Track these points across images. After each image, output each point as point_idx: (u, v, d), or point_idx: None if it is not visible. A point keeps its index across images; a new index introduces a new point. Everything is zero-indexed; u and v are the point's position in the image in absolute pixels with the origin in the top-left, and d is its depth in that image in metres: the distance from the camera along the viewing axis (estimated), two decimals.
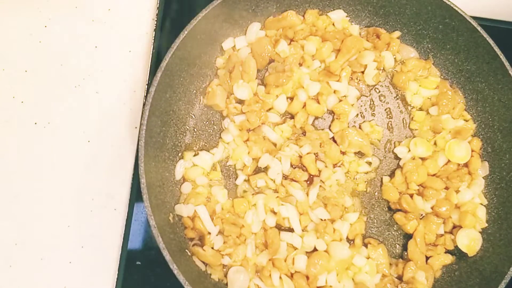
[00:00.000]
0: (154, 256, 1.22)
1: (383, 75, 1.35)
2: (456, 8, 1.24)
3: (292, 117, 1.29)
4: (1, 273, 1.21)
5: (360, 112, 1.34)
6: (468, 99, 1.33)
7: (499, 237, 1.20)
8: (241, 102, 1.28)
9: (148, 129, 1.09)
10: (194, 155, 1.25)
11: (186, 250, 1.17)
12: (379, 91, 1.35)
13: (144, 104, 1.20)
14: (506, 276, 1.11)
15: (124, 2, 1.43)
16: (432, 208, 1.23)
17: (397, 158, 1.30)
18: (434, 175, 1.26)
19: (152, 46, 1.37)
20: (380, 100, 1.35)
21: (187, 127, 1.28)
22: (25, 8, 1.40)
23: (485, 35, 1.23)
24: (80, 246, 1.24)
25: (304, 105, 1.28)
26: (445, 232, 1.23)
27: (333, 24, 1.35)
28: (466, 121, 1.31)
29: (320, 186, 1.24)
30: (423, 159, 1.28)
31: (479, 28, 1.23)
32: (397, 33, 1.35)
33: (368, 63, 1.32)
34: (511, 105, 1.23)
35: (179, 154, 1.25)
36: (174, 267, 1.03)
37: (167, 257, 1.03)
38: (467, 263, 1.21)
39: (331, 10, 1.36)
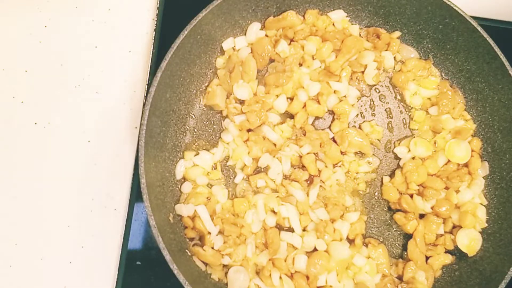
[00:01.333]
0: (154, 256, 1.22)
1: (383, 75, 1.35)
2: (456, 8, 1.24)
3: (292, 117, 1.29)
4: (1, 273, 1.21)
5: (360, 112, 1.34)
6: (468, 99, 1.33)
7: (499, 237, 1.20)
8: (241, 102, 1.28)
9: (148, 129, 1.09)
10: (195, 155, 1.25)
11: (186, 250, 1.17)
12: (379, 91, 1.35)
13: (144, 104, 1.20)
14: (506, 276, 1.11)
15: (124, 2, 1.43)
16: (432, 208, 1.23)
17: (397, 158, 1.30)
18: (434, 175, 1.26)
19: (152, 46, 1.37)
20: (380, 100, 1.35)
21: (187, 127, 1.28)
22: (25, 8, 1.40)
23: (485, 35, 1.23)
24: (80, 246, 1.24)
25: (304, 105, 1.28)
26: (445, 232, 1.23)
27: (333, 24, 1.35)
28: (466, 121, 1.31)
29: (320, 186, 1.24)
30: (423, 159, 1.28)
31: (479, 28, 1.23)
32: (397, 33, 1.35)
33: (368, 63, 1.32)
34: (511, 105, 1.23)
35: (179, 154, 1.25)
36: (174, 267, 1.03)
37: (167, 257, 1.03)
38: (467, 263, 1.21)
39: (331, 10, 1.36)
